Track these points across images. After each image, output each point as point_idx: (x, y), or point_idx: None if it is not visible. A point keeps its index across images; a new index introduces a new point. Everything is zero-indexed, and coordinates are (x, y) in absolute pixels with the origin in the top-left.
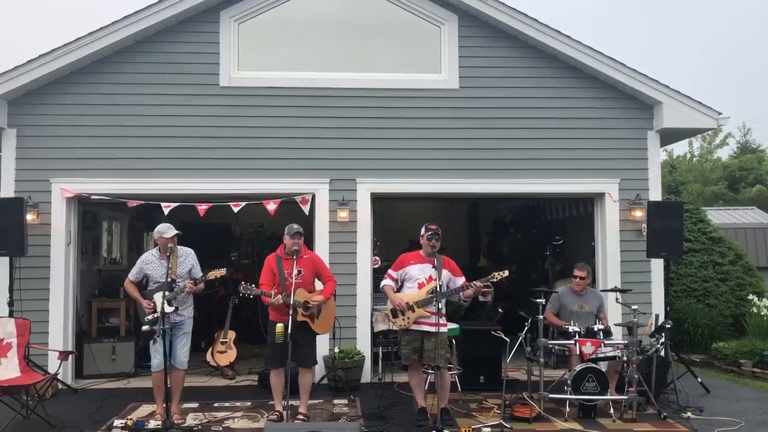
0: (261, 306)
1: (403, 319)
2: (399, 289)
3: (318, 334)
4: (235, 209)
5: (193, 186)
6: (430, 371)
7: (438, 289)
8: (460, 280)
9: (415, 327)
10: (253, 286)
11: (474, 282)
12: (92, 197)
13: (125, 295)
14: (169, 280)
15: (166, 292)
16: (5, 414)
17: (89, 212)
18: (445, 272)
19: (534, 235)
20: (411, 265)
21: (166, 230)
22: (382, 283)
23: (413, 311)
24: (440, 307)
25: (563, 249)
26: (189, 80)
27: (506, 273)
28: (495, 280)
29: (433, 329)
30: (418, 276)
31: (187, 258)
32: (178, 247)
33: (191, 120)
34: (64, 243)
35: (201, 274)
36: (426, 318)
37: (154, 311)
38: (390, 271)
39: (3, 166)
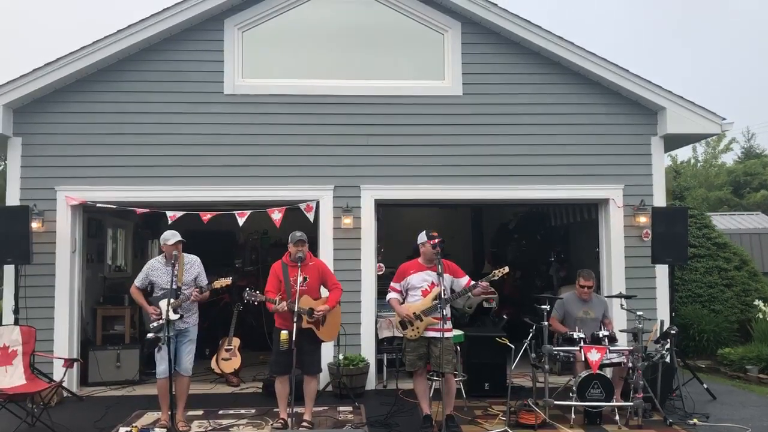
0: (265, 313)
1: (413, 330)
2: (403, 300)
3: (323, 341)
4: (240, 219)
5: (197, 193)
6: (435, 378)
7: (442, 295)
8: (464, 280)
9: None
10: (258, 292)
11: (480, 282)
12: (97, 205)
13: (130, 302)
14: (174, 287)
15: (172, 300)
16: (10, 422)
17: (94, 220)
18: (446, 276)
19: (538, 242)
20: (412, 275)
21: (170, 237)
22: (388, 296)
23: (421, 320)
24: (445, 313)
25: (567, 255)
26: (193, 88)
27: (506, 269)
28: (495, 278)
29: (439, 335)
30: (421, 284)
31: (193, 265)
32: (184, 254)
33: (196, 128)
34: (69, 251)
35: (207, 281)
36: (434, 325)
37: (160, 318)
38: (393, 284)
39: (9, 174)
